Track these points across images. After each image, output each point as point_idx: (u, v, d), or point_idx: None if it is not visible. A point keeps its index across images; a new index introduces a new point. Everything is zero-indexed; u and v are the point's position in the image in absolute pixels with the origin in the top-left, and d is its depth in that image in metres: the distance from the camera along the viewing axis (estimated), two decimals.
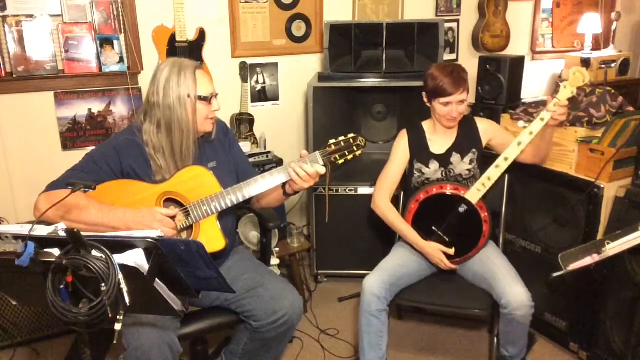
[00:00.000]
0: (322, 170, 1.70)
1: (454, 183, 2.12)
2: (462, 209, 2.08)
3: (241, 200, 1.72)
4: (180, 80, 1.69)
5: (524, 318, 1.94)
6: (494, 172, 2.03)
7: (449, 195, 2.09)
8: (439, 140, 2.20)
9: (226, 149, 1.93)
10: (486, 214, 2.07)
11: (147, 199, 1.71)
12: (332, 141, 1.73)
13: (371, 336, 2.07)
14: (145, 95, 1.78)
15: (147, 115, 1.75)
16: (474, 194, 2.05)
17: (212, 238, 1.71)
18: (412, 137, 2.22)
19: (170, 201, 1.75)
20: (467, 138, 2.18)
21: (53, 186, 1.66)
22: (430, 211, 2.12)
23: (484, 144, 2.20)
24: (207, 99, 1.75)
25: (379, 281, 2.04)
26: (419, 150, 2.20)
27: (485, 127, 2.21)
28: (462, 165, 2.17)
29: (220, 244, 1.73)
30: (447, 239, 2.11)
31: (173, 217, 1.69)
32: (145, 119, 1.76)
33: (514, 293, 1.92)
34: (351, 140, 1.73)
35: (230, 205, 1.72)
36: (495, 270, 2.04)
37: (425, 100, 2.16)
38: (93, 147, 2.62)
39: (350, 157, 1.74)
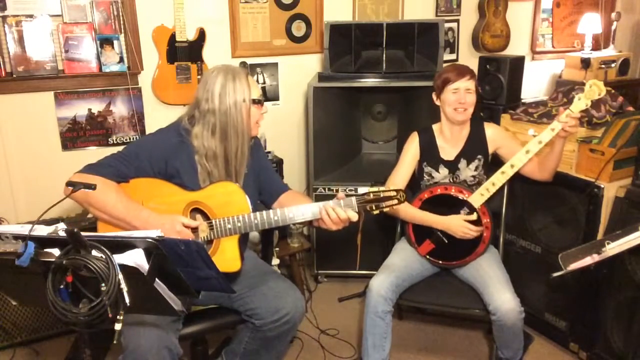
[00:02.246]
0: (355, 217, 1.68)
1: (458, 185, 2.11)
2: (464, 212, 2.07)
3: (267, 227, 1.72)
4: (236, 86, 1.72)
5: (513, 324, 1.93)
6: (499, 178, 2.02)
7: (452, 197, 2.09)
8: (449, 146, 2.19)
9: (253, 152, 1.93)
10: (488, 219, 2.06)
11: (176, 203, 1.72)
12: (372, 189, 1.69)
13: (375, 337, 2.06)
14: (193, 102, 1.79)
15: (198, 120, 1.76)
16: (477, 199, 2.05)
17: (229, 258, 1.71)
18: (423, 140, 2.21)
19: (197, 211, 1.75)
20: (474, 144, 2.18)
21: (90, 168, 1.68)
22: (432, 211, 2.12)
23: (490, 151, 2.19)
24: (260, 102, 1.79)
25: (386, 282, 2.04)
26: (430, 154, 2.20)
27: (492, 134, 2.19)
28: (467, 171, 2.17)
29: (236, 266, 1.73)
30: (446, 241, 2.10)
31: (195, 228, 1.70)
32: (193, 123, 1.77)
33: (502, 300, 1.92)
34: (393, 193, 1.68)
35: (254, 230, 1.73)
36: (485, 277, 2.04)
37: (435, 99, 2.17)
38: (94, 148, 2.67)
39: (386, 209, 1.69)
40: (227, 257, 1.70)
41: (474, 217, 2.06)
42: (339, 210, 1.68)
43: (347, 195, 1.70)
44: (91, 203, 1.65)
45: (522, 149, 2.02)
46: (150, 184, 1.73)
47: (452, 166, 2.18)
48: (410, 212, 2.17)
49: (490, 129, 2.20)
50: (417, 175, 2.23)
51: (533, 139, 1.98)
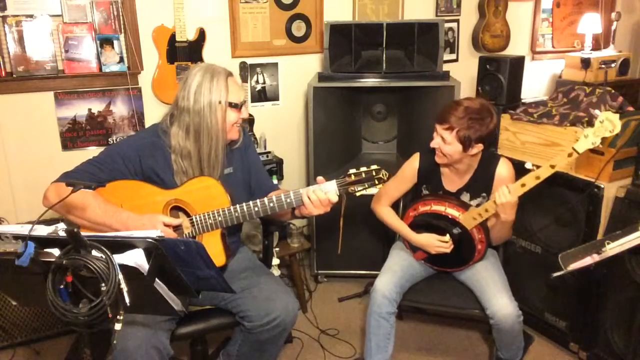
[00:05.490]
0: (335, 198, 1.65)
1: (454, 201, 2.03)
2: (456, 231, 2.03)
3: (248, 220, 1.71)
4: (213, 87, 1.69)
5: (512, 327, 1.93)
6: (492, 207, 1.91)
7: (444, 216, 2.03)
8: (453, 176, 2.10)
9: (242, 151, 1.92)
10: (482, 235, 2.01)
11: (155, 203, 1.71)
12: (352, 171, 1.65)
13: (379, 338, 2.06)
14: (174, 99, 1.77)
15: (175, 119, 1.75)
16: (470, 222, 1.98)
17: (212, 253, 1.65)
18: (424, 164, 2.12)
19: (178, 209, 1.75)
20: (481, 181, 2.06)
21: (67, 176, 1.67)
22: (426, 223, 2.09)
23: (494, 190, 2.04)
24: (237, 106, 1.75)
25: (390, 283, 2.04)
26: (430, 180, 2.13)
27: (503, 175, 2.03)
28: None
29: (220, 261, 1.71)
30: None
31: (177, 226, 1.69)
32: (172, 122, 1.76)
33: (499, 305, 1.92)
34: (373, 173, 1.64)
35: (236, 223, 1.71)
36: (482, 281, 2.03)
37: None
38: (94, 148, 2.67)
39: (370, 189, 1.65)
40: (210, 252, 1.67)
41: (446, 238, 2.04)
42: (319, 192, 1.64)
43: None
44: (70, 210, 1.64)
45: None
46: (128, 186, 1.72)
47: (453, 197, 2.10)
48: (389, 220, 2.18)
49: (503, 168, 2.04)
50: (418, 193, 2.19)
51: (530, 174, 1.84)
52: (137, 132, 1.80)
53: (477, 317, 2.07)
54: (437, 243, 2.05)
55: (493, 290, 1.97)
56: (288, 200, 1.67)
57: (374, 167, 1.65)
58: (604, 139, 1.72)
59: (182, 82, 1.73)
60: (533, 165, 1.86)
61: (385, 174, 1.65)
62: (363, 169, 1.65)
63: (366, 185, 1.64)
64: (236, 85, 1.76)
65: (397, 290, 2.04)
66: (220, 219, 1.69)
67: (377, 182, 1.64)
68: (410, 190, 2.21)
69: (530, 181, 1.84)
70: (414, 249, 2.16)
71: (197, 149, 1.73)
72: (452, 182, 2.12)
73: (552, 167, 1.80)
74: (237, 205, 1.69)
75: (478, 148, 1.95)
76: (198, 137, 1.71)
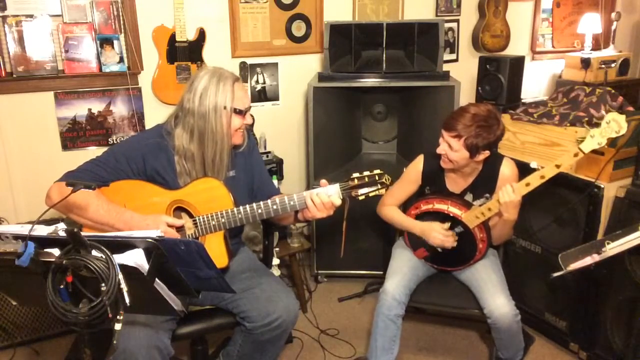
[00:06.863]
0: (338, 202, 1.66)
1: (456, 200, 2.04)
2: (458, 229, 2.03)
3: (251, 222, 1.70)
4: (219, 91, 1.69)
5: (509, 327, 1.93)
6: (495, 205, 1.91)
7: (446, 214, 2.03)
8: (458, 178, 2.09)
9: (245, 155, 1.91)
10: (484, 234, 2.00)
11: (159, 204, 1.71)
12: (355, 175, 1.65)
13: (385, 340, 2.06)
14: (179, 100, 1.77)
15: (180, 120, 1.75)
16: (472, 220, 1.98)
17: (215, 254, 1.67)
18: (428, 166, 2.12)
19: (181, 210, 1.74)
20: (485, 180, 2.05)
21: (70, 175, 1.67)
22: (428, 220, 2.08)
23: (497, 190, 2.01)
24: (242, 113, 1.75)
25: (400, 286, 2.03)
26: (434, 182, 2.12)
27: (506, 175, 2.02)
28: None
29: (223, 262, 1.71)
30: (440, 250, 2.09)
31: (180, 227, 1.69)
32: (177, 123, 1.76)
33: (496, 304, 1.92)
34: (376, 177, 1.64)
35: (239, 225, 1.71)
36: (480, 280, 2.03)
37: None
38: (94, 147, 2.67)
39: (372, 194, 1.65)
40: (213, 254, 1.66)
41: (446, 226, 2.02)
42: (323, 195, 1.65)
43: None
44: (71, 210, 1.64)
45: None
46: (131, 186, 1.72)
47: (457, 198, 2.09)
48: (395, 218, 2.17)
49: (507, 168, 2.04)
50: (422, 193, 2.18)
51: (535, 173, 1.84)
52: (141, 132, 1.80)
53: (477, 317, 2.07)
54: (438, 228, 2.03)
55: (491, 289, 1.97)
56: (292, 203, 1.68)
57: (377, 171, 1.65)
58: (609, 139, 1.73)
59: (189, 84, 1.73)
60: (539, 165, 1.86)
61: (388, 179, 1.64)
62: (366, 173, 1.64)
63: (369, 190, 1.64)
64: (242, 90, 1.76)
65: (406, 292, 2.04)
66: (223, 220, 1.69)
67: (380, 186, 1.64)
68: (416, 192, 2.20)
69: (534, 180, 1.84)
70: (414, 247, 2.16)
71: (202, 152, 1.72)
72: (456, 184, 2.11)
73: (558, 166, 1.80)
74: (241, 207, 1.68)
75: (484, 154, 1.95)
76: (202, 141, 1.71)
